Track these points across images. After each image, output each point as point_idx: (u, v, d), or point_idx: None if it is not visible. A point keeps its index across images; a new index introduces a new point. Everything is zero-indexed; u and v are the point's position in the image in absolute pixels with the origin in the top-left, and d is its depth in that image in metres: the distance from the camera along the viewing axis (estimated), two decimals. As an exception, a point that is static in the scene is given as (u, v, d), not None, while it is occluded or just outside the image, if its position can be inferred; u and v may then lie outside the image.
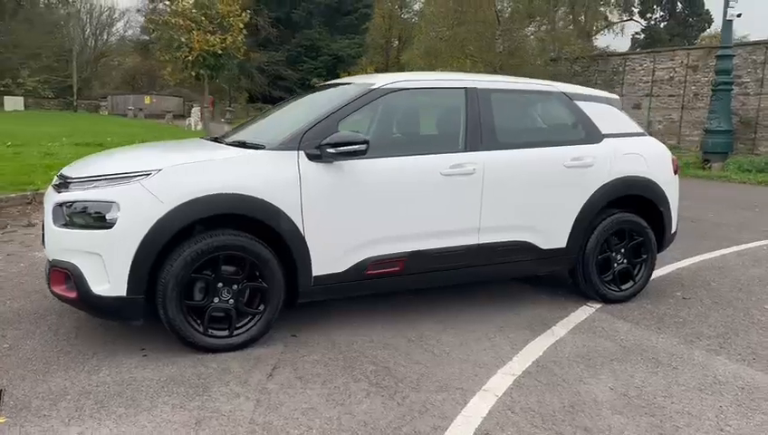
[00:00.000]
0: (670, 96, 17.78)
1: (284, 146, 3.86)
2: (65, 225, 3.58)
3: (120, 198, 3.48)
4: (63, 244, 3.58)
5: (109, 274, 3.47)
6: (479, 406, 3.19)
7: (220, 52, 26.96)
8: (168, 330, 3.63)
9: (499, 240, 4.40)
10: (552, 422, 3.05)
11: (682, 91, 17.47)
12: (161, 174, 3.56)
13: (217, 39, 26.91)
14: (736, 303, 5.01)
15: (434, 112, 4.54)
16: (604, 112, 4.88)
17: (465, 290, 5.00)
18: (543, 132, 4.79)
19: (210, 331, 3.69)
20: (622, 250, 4.89)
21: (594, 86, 19.47)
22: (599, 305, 4.83)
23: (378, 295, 4.60)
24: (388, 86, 4.21)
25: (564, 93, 4.77)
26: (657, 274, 5.77)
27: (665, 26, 51.62)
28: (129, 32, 56.87)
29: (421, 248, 4.15)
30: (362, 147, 3.81)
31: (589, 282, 4.78)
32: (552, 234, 4.58)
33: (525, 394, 3.34)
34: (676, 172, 5.14)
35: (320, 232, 3.85)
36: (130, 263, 3.46)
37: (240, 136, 4.46)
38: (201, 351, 3.67)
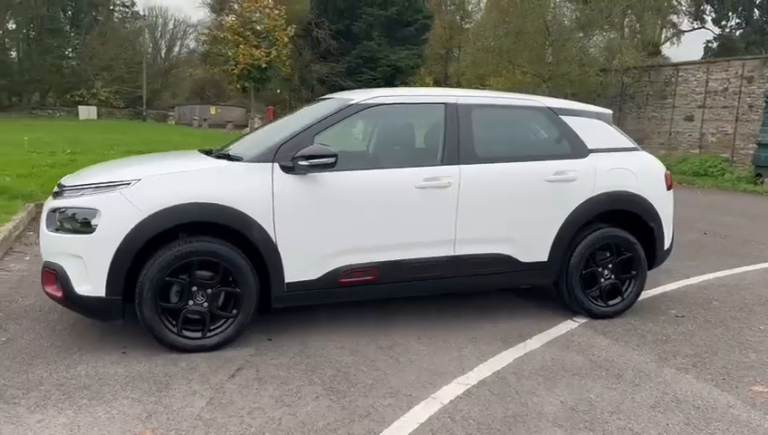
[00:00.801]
0: (724, 108, 17.17)
1: (260, 158, 4.07)
2: (57, 229, 3.89)
3: (101, 206, 3.77)
4: (53, 247, 3.89)
5: (90, 275, 3.75)
6: (420, 413, 3.28)
7: (264, 65, 27.68)
8: (145, 329, 3.88)
9: (476, 252, 4.47)
10: (488, 432, 3.11)
11: (736, 103, 16.84)
12: (140, 184, 3.83)
13: (262, 53, 27.66)
14: (731, 322, 4.90)
15: (413, 127, 4.65)
16: (592, 127, 4.88)
17: (452, 300, 5.08)
18: (525, 147, 4.83)
19: (184, 332, 3.92)
20: (609, 265, 4.87)
21: (646, 97, 19.07)
22: (584, 320, 4.82)
23: (363, 303, 4.77)
24: (365, 102, 4.37)
25: (550, 108, 4.80)
26: (659, 290, 5.72)
27: (741, 34, 49.66)
28: (200, 44, 58.91)
29: (394, 259, 4.27)
30: (331, 160, 3.98)
31: (573, 296, 4.78)
32: (532, 247, 4.62)
33: (472, 404, 3.41)
34: (669, 188, 5.08)
35: (292, 241, 4.03)
36: (109, 265, 3.73)
37: (229, 148, 4.70)
38: (175, 350, 3.91)
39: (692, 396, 3.59)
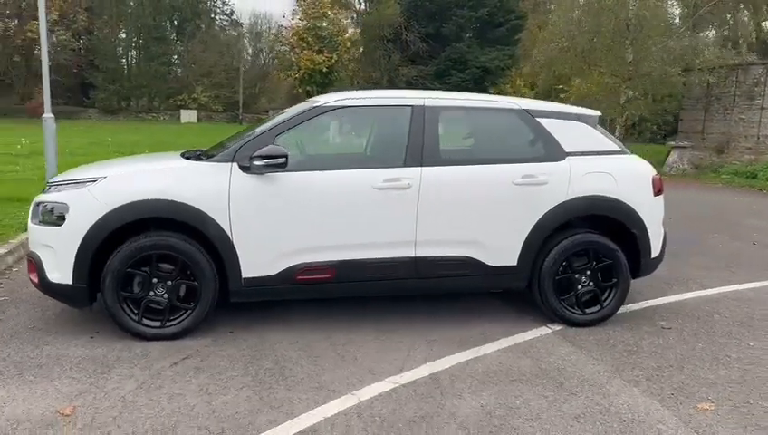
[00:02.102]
0: (818, 109, 15.85)
1: (221, 158, 4.28)
2: (39, 222, 4.25)
3: (70, 200, 4.10)
4: (34, 237, 4.27)
5: (59, 264, 4.09)
6: (331, 408, 3.35)
7: (325, 69, 28.17)
8: (108, 316, 4.17)
9: (438, 254, 4.46)
10: (388, 430, 3.14)
11: (832, 105, 15.50)
12: (105, 181, 4.13)
13: (323, 57, 28.18)
14: (720, 337, 4.61)
15: (377, 129, 4.70)
16: (572, 130, 4.74)
17: (430, 302, 5.09)
18: (494, 149, 4.75)
19: (144, 320, 4.18)
20: (587, 272, 4.71)
21: (733, 98, 17.92)
22: (559, 328, 4.70)
23: (342, 300, 4.90)
24: (329, 104, 4.48)
25: (526, 110, 4.71)
26: (661, 300, 5.49)
27: None
28: (269, 50, 60.40)
29: (352, 258, 4.35)
30: (282, 160, 4.12)
31: (546, 303, 4.67)
32: (500, 251, 4.55)
33: (388, 402, 3.44)
34: (658, 193, 4.84)
35: (248, 238, 4.20)
36: (75, 255, 4.05)
37: (211, 149, 4.94)
38: (136, 337, 4.17)
39: (625, 409, 3.45)
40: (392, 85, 49.65)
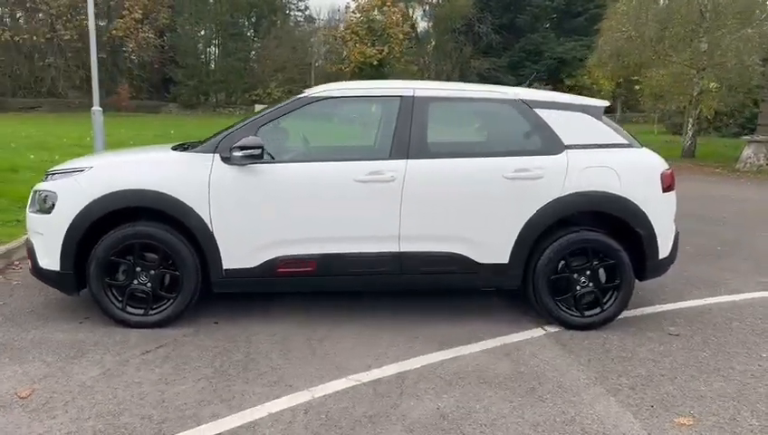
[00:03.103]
0: None
1: (204, 149, 4.29)
2: (36, 210, 4.40)
3: (58, 189, 4.22)
4: (30, 224, 4.43)
5: (48, 251, 4.22)
6: (281, 403, 3.30)
7: (376, 63, 27.96)
8: (95, 302, 4.28)
9: (424, 250, 4.32)
10: (329, 429, 3.06)
11: None
12: (91, 171, 4.23)
13: (374, 51, 27.99)
14: (731, 347, 4.25)
15: (365, 120, 4.59)
16: (574, 122, 4.48)
17: (428, 299, 4.95)
18: (487, 142, 4.56)
19: (128, 308, 4.25)
20: (587, 272, 4.44)
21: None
22: (556, 329, 4.46)
23: (337, 293, 4.87)
24: (314, 95, 4.41)
25: (523, 101, 4.47)
26: (681, 304, 5.14)
27: None
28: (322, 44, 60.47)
29: (333, 252, 4.27)
30: (257, 151, 4.09)
31: (541, 303, 4.44)
32: (490, 248, 4.36)
33: (341, 400, 3.35)
34: (668, 190, 4.50)
35: (228, 229, 4.20)
36: (61, 242, 4.16)
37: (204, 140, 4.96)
38: (121, 324, 4.26)
39: (592, 420, 3.22)
40: (463, 78, 49.16)
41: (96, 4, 42.17)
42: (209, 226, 4.18)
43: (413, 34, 48.18)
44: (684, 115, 18.46)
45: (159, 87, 49.44)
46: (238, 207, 4.19)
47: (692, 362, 3.97)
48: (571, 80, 49.53)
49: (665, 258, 4.54)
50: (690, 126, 19.75)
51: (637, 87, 24.05)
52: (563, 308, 4.44)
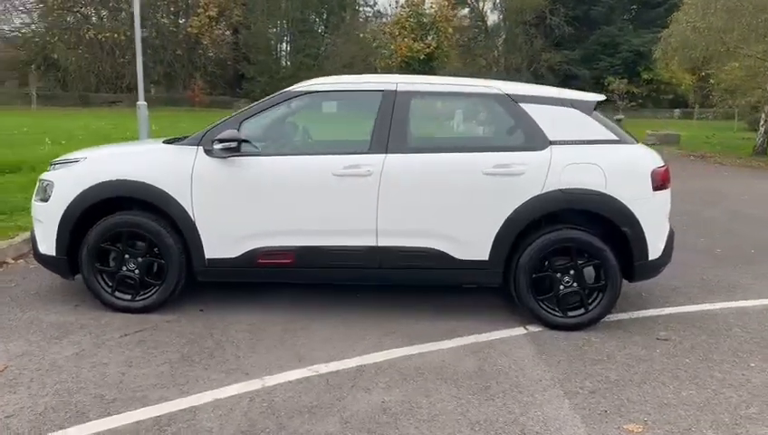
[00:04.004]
0: None
1: (189, 142, 4.43)
2: (39, 199, 4.67)
3: (55, 179, 4.47)
4: (33, 211, 4.70)
5: (46, 237, 4.47)
6: (230, 390, 3.38)
7: (423, 57, 27.52)
8: (86, 287, 4.50)
9: (402, 245, 4.31)
10: (267, 418, 3.12)
11: None
12: (85, 162, 4.45)
13: (421, 45, 27.58)
14: (719, 356, 4.02)
15: (347, 115, 4.61)
16: (561, 117, 4.35)
17: (418, 295, 4.94)
18: (469, 137, 4.49)
19: (117, 293, 4.46)
20: (571, 272, 4.32)
21: None
22: (538, 329, 4.37)
23: (321, 286, 4.94)
24: (297, 89, 4.48)
25: (508, 95, 4.38)
26: (684, 309, 4.94)
27: None
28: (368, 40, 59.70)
29: (311, 244, 4.33)
30: (234, 144, 4.19)
31: (522, 301, 4.36)
32: (469, 244, 4.30)
33: (289, 390, 3.40)
34: (660, 188, 4.31)
35: (210, 219, 4.33)
36: (56, 229, 4.40)
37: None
38: (111, 308, 4.46)
39: (536, 422, 3.14)
40: (534, 72, 48.21)
41: (174, 2, 43.50)
42: (191, 216, 4.31)
43: (482, 27, 47.64)
44: (753, 111, 17.41)
45: (233, 83, 50.91)
46: (219, 199, 4.31)
47: (669, 369, 3.80)
48: (648, 73, 47.76)
49: (655, 259, 4.36)
50: (763, 122, 18.69)
51: (711, 81, 22.98)
52: (546, 308, 4.34)
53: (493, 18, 53.39)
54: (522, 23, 49.27)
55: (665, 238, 4.40)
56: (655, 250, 4.33)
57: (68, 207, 4.35)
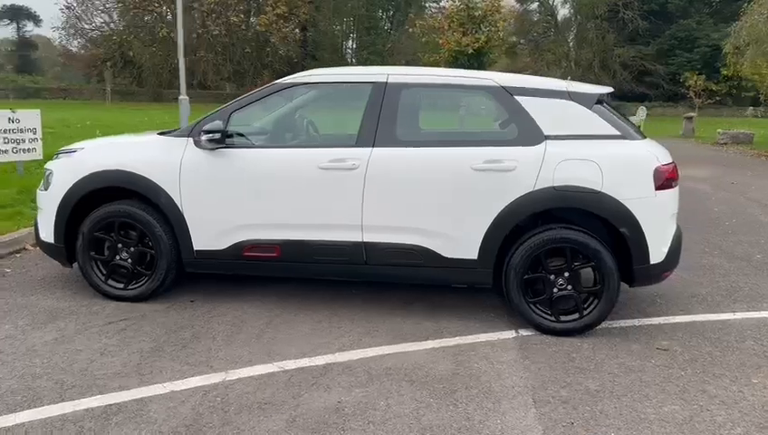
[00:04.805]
0: None
1: (180, 133, 4.46)
2: (43, 187, 4.81)
3: (55, 168, 4.58)
4: (37, 199, 4.84)
5: (45, 224, 4.59)
6: (190, 383, 3.36)
7: (471, 51, 26.78)
8: (81, 274, 4.60)
9: (388, 241, 4.19)
10: (214, 413, 3.07)
11: None
12: (81, 152, 4.55)
13: (470, 39, 26.86)
14: (720, 370, 3.69)
15: (335, 107, 4.51)
16: (559, 110, 4.11)
17: (414, 291, 4.81)
18: (460, 131, 4.32)
19: (110, 281, 4.53)
20: (565, 274, 4.09)
21: None
22: (529, 333, 4.16)
23: (320, 281, 4.90)
24: (286, 81, 4.42)
25: (503, 87, 4.18)
26: (695, 317, 4.60)
27: None
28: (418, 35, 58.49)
29: (296, 238, 4.27)
30: (217, 135, 4.18)
31: (512, 303, 4.16)
32: (458, 242, 4.14)
33: (248, 386, 3.34)
34: (663, 187, 4.01)
35: (198, 211, 4.34)
36: (54, 218, 4.51)
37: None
38: (104, 296, 4.54)
39: (493, 430, 2.97)
40: (605, 68, 46.68)
41: (245, 1, 44.50)
42: (180, 206, 4.33)
43: (552, 22, 46.48)
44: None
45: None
46: (206, 190, 4.31)
47: (658, 381, 3.53)
48: (727, 69, 45.15)
49: (658, 264, 4.06)
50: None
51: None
52: (537, 311, 4.13)
53: (563, 12, 52.14)
54: (594, 17, 47.79)
55: (669, 241, 4.10)
56: (657, 253, 4.04)
57: (64, 196, 4.45)
